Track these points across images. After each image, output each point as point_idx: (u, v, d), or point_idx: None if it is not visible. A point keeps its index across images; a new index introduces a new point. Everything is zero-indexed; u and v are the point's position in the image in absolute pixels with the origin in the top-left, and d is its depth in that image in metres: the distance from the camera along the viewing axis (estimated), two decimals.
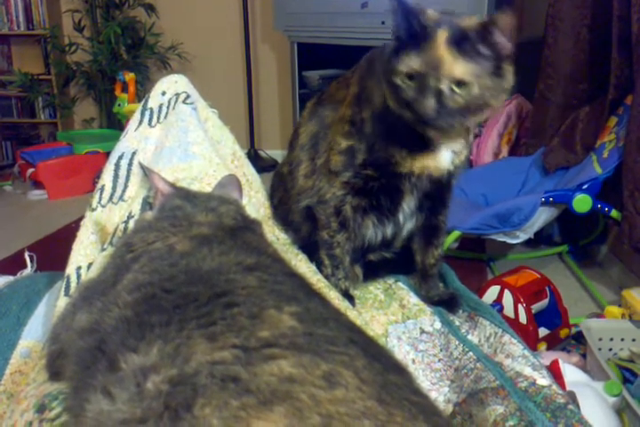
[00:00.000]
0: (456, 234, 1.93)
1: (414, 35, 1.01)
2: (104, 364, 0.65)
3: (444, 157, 1.16)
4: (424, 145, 1.14)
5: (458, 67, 0.99)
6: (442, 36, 1.00)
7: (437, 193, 1.23)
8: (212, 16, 3.94)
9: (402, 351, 1.13)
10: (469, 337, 1.16)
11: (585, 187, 1.91)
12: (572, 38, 2.27)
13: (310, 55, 3.33)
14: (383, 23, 2.69)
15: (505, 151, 2.68)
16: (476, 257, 2.32)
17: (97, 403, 0.61)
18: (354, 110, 1.20)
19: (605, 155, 1.98)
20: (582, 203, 1.88)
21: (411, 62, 1.02)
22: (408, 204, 1.22)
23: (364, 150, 1.17)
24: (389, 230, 1.27)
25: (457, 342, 1.13)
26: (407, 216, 1.25)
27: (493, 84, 1.02)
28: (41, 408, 0.83)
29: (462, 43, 0.99)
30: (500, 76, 1.02)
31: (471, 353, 1.09)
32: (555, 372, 1.17)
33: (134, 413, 0.58)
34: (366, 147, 1.17)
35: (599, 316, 1.66)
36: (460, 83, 1.00)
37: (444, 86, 1.00)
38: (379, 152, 1.15)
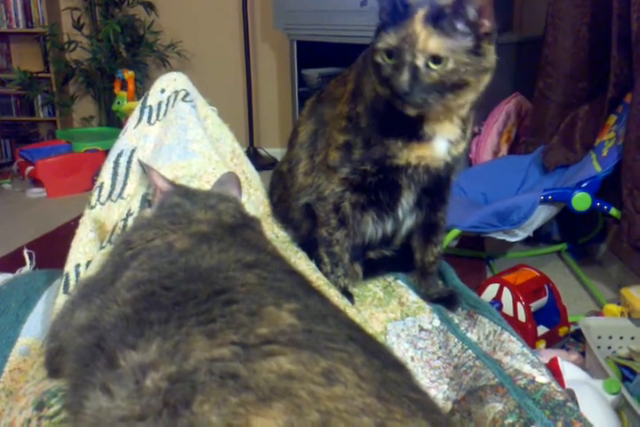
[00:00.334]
0: (455, 232, 1.93)
1: (397, 14, 1.04)
2: (103, 361, 0.65)
3: (440, 147, 1.15)
4: (418, 135, 1.14)
5: (432, 41, 1.00)
6: (420, 13, 1.02)
7: (436, 189, 1.23)
8: (212, 14, 3.94)
9: (401, 349, 1.13)
10: (468, 335, 1.16)
11: (584, 185, 1.91)
12: (572, 37, 2.27)
13: (310, 53, 3.32)
14: None
15: (504, 150, 2.68)
16: (476, 255, 2.33)
17: (96, 400, 0.61)
18: (350, 106, 1.20)
19: (605, 153, 1.98)
20: (581, 201, 1.88)
21: (389, 39, 1.04)
22: (407, 199, 1.22)
23: (361, 145, 1.17)
24: (389, 227, 1.27)
25: (456, 340, 1.13)
26: (406, 212, 1.25)
27: (470, 61, 1.02)
28: (40, 406, 0.83)
29: (439, 19, 1.01)
30: (478, 55, 1.03)
31: (470, 351, 1.09)
32: (554, 370, 1.17)
33: (133, 410, 0.58)
34: (362, 141, 1.17)
35: (598, 314, 1.66)
36: (436, 58, 1.00)
37: (420, 61, 1.01)
38: (375, 145, 1.15)
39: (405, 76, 1.01)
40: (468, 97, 1.08)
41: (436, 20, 1.00)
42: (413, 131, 1.13)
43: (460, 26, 1.01)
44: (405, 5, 1.03)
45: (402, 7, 1.03)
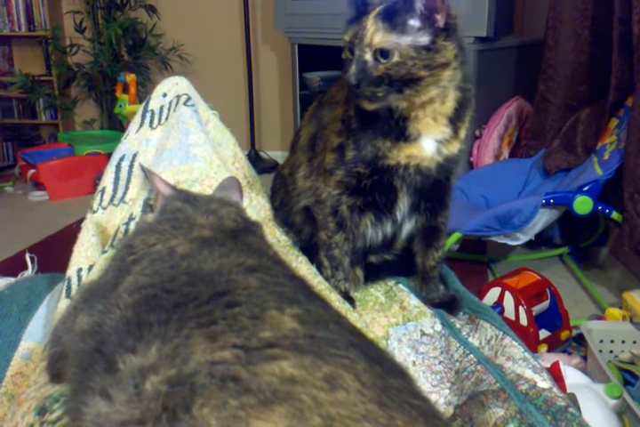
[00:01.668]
0: (457, 236, 1.93)
1: (358, 12, 1.09)
2: (102, 365, 0.64)
3: (427, 146, 1.15)
4: (405, 134, 1.14)
5: (377, 36, 1.03)
6: (376, 10, 1.06)
7: (435, 193, 1.23)
8: (213, 17, 3.95)
9: (402, 354, 1.13)
10: (470, 339, 1.16)
11: (586, 189, 1.91)
12: (573, 40, 2.27)
13: (311, 56, 3.33)
14: None
15: (506, 153, 2.68)
16: (477, 259, 2.32)
17: (95, 406, 0.61)
18: (345, 108, 1.21)
19: (606, 157, 1.98)
20: (583, 205, 1.88)
21: (346, 36, 1.08)
22: (403, 201, 1.22)
23: (353, 147, 1.18)
24: (389, 230, 1.27)
25: (458, 345, 1.13)
26: (405, 215, 1.25)
27: (419, 56, 1.03)
28: (42, 411, 0.83)
29: (390, 15, 1.04)
30: (431, 50, 1.04)
31: (472, 355, 1.09)
32: (555, 374, 1.17)
33: (133, 414, 0.57)
34: (354, 143, 1.18)
35: (600, 318, 1.66)
36: (384, 52, 1.03)
37: (367, 55, 1.04)
38: (365, 147, 1.16)
39: (353, 69, 1.05)
40: (431, 92, 1.08)
41: (388, 16, 1.04)
42: (400, 131, 1.14)
43: (412, 22, 1.03)
44: (364, 4, 1.08)
45: (361, 5, 1.08)
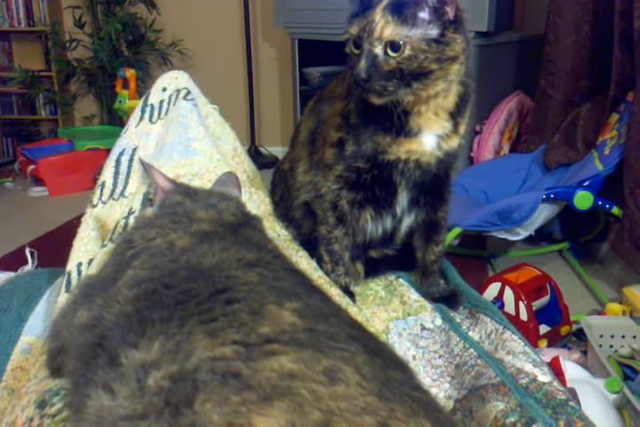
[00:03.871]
0: (457, 231, 1.93)
1: (362, 5, 1.07)
2: (104, 359, 0.65)
3: (428, 141, 1.15)
4: (405, 129, 1.13)
5: (388, 29, 1.02)
6: (383, 3, 1.04)
7: (434, 187, 1.23)
8: (213, 12, 3.94)
9: (402, 348, 1.13)
10: (470, 334, 1.16)
11: (586, 184, 1.91)
12: (574, 35, 2.27)
13: (311, 52, 3.32)
14: None
15: (506, 148, 2.68)
16: (477, 254, 2.32)
17: (98, 399, 0.61)
18: (344, 103, 1.20)
19: (607, 152, 1.98)
20: (583, 200, 1.88)
21: (352, 29, 1.06)
22: (403, 196, 1.22)
23: (352, 141, 1.17)
24: (388, 224, 1.27)
25: (458, 339, 1.13)
26: (404, 210, 1.24)
27: (430, 49, 1.02)
28: (42, 404, 0.83)
29: (399, 8, 1.02)
30: (441, 43, 1.03)
31: (472, 350, 1.09)
32: (555, 368, 1.17)
33: (135, 409, 0.58)
34: (354, 138, 1.17)
35: (600, 313, 1.66)
36: (394, 46, 1.01)
37: (377, 49, 1.02)
38: (365, 142, 1.16)
39: (363, 64, 1.03)
40: (438, 86, 1.07)
41: (397, 8, 1.02)
42: (400, 126, 1.13)
43: (422, 14, 1.02)
44: None
45: None
